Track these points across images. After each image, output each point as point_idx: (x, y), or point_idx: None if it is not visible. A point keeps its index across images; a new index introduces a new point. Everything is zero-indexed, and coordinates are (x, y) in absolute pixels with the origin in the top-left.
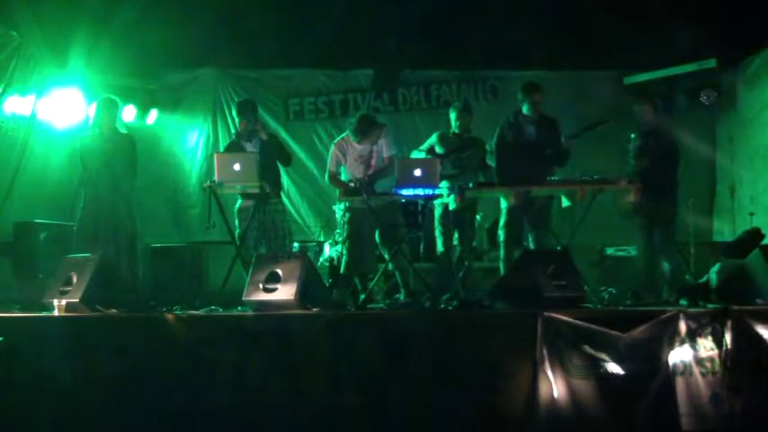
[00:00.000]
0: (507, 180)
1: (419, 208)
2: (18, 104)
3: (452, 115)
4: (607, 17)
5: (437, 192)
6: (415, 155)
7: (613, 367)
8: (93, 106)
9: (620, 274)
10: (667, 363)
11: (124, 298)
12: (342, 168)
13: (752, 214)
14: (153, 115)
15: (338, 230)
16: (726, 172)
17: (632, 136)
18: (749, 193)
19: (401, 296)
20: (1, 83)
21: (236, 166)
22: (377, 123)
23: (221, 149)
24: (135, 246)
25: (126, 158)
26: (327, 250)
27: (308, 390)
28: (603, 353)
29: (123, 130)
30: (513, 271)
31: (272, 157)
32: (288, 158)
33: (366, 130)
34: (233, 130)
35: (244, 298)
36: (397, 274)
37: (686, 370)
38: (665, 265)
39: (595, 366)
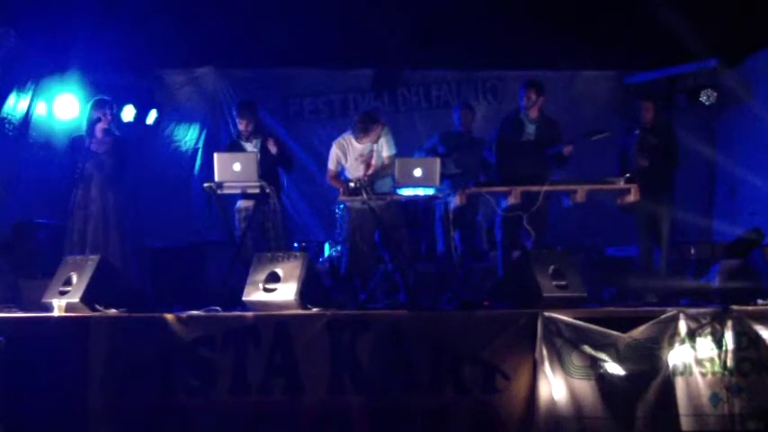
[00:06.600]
0: (507, 179)
1: (420, 207)
2: (17, 104)
3: (455, 115)
4: (607, 17)
5: (438, 191)
6: (417, 155)
7: (613, 367)
8: (87, 107)
9: (620, 274)
10: (667, 363)
11: (124, 298)
12: (342, 168)
13: (752, 214)
14: (152, 115)
15: (338, 230)
16: (726, 172)
17: (636, 132)
18: (749, 193)
19: (401, 296)
20: None
21: (236, 166)
22: (378, 120)
23: (221, 149)
24: (126, 246)
25: (117, 159)
26: (327, 250)
27: (308, 390)
28: (603, 353)
29: (116, 132)
30: (513, 271)
31: (273, 159)
32: (290, 163)
33: (367, 126)
34: (233, 130)
35: (244, 298)
36: (397, 274)
37: (686, 370)
38: (664, 265)
39: (595, 366)
